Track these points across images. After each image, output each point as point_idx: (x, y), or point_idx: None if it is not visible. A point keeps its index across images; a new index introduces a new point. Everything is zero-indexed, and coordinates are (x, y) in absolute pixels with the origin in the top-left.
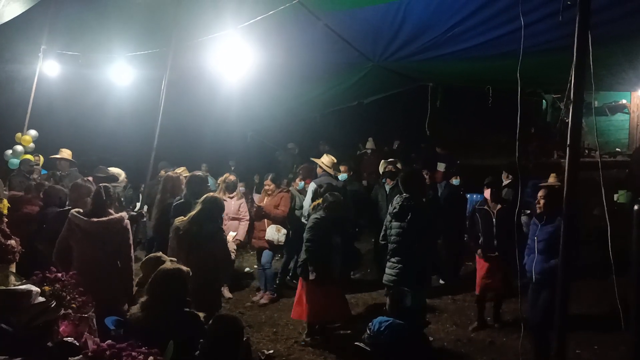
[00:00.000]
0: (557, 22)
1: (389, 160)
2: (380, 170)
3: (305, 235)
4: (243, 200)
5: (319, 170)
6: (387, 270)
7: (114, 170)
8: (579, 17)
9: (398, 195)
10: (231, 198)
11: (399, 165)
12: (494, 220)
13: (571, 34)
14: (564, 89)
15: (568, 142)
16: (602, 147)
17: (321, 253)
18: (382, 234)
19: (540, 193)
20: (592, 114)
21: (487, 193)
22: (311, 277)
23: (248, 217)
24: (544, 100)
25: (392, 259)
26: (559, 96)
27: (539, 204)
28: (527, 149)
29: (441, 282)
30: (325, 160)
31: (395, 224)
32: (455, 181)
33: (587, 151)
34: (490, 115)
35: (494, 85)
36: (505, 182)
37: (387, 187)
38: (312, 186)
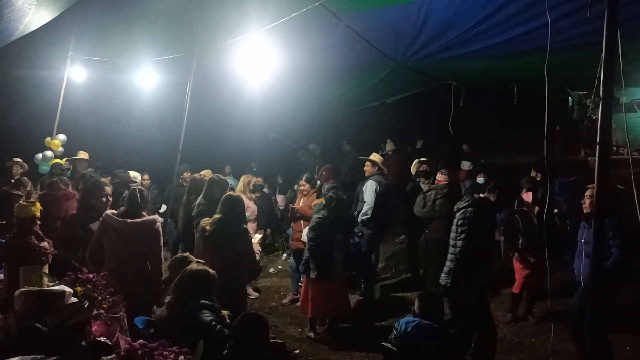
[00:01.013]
0: (584, 18)
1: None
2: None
3: (308, 234)
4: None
5: (370, 169)
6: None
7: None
8: (607, 12)
9: (468, 196)
10: (252, 199)
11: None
12: (535, 221)
13: (599, 29)
14: (591, 86)
15: (598, 139)
16: (631, 144)
17: (322, 252)
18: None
19: (588, 192)
20: (622, 110)
21: (528, 197)
22: (312, 275)
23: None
24: (569, 98)
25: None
26: (585, 93)
27: (585, 204)
28: (553, 147)
29: None
30: (377, 158)
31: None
32: (480, 179)
33: (615, 148)
34: (514, 113)
35: (518, 83)
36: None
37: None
38: (372, 184)
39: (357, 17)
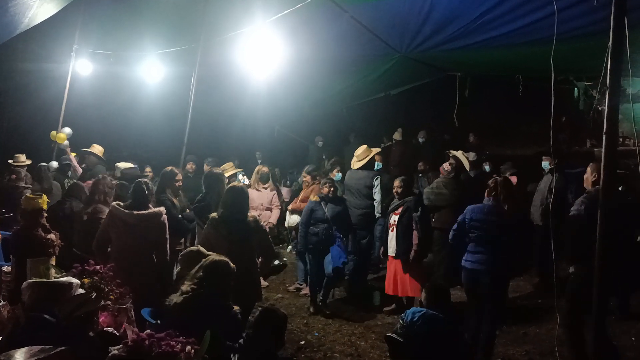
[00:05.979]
0: (591, 7)
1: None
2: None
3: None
4: (275, 191)
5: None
6: None
7: (121, 164)
8: (615, 0)
9: None
10: (265, 189)
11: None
12: None
13: (606, 18)
14: (597, 76)
15: (604, 130)
16: (638, 135)
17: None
18: None
19: None
20: (629, 100)
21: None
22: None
23: (279, 206)
24: (575, 89)
25: None
26: (591, 84)
27: None
28: (559, 138)
29: None
30: (461, 154)
31: None
32: (486, 167)
33: (622, 139)
34: (520, 104)
35: (524, 73)
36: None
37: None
38: None
39: (362, 9)
